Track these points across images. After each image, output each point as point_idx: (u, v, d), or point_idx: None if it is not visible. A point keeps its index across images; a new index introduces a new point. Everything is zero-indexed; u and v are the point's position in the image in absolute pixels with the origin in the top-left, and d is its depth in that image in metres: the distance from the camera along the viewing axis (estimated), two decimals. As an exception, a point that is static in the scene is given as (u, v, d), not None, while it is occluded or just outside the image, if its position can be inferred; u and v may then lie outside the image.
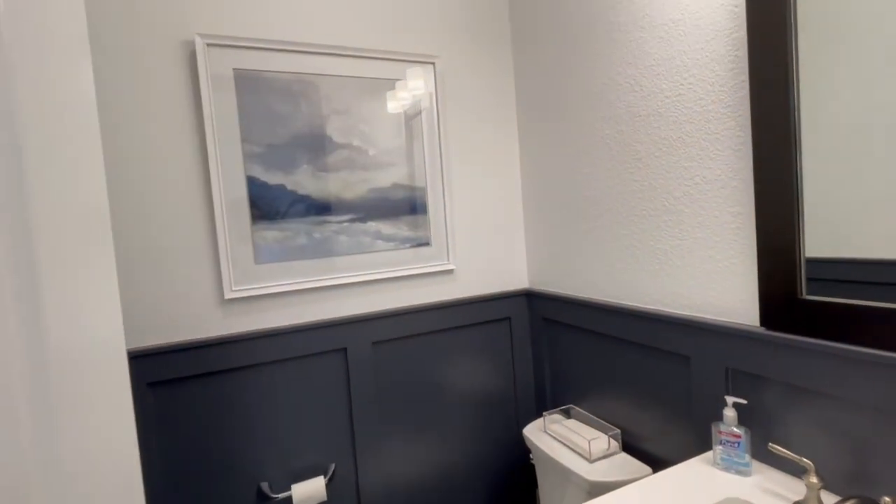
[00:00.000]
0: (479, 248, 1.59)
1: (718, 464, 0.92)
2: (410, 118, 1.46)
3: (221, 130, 1.21)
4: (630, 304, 1.22)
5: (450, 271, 1.54)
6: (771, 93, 0.83)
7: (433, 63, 1.47)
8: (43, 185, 0.38)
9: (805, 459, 0.78)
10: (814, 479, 0.75)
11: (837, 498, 0.77)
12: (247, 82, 1.24)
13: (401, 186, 1.45)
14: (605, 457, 1.22)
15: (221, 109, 1.21)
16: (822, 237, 0.80)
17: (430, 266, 1.49)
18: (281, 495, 1.28)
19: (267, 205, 1.28)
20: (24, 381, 0.39)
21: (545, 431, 1.39)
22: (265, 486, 1.28)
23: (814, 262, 0.82)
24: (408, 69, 1.44)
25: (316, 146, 1.33)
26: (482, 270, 1.60)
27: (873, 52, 0.72)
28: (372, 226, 1.41)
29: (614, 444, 1.24)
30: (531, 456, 1.46)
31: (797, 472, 0.85)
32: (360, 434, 1.40)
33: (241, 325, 1.27)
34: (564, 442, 1.31)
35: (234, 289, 1.24)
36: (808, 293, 0.83)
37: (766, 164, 0.86)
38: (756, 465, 0.92)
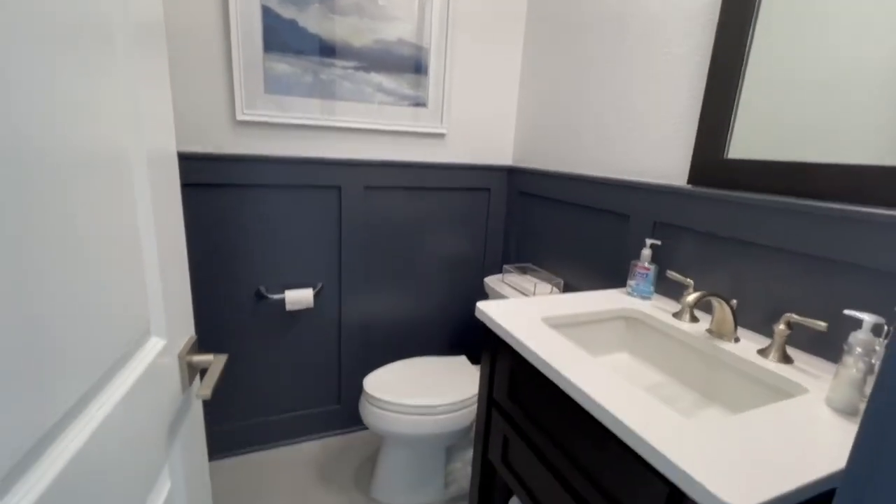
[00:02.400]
0: (472, 120, 1.72)
1: (630, 292, 1.15)
2: (423, -26, 1.50)
3: (240, -48, 1.27)
4: (591, 173, 1.39)
5: (441, 135, 1.68)
6: (743, -34, 0.92)
7: (452, -83, 1.48)
8: None
9: (688, 280, 1.01)
10: (690, 291, 0.97)
11: (710, 316, 1.00)
12: None
13: (406, 43, 1.53)
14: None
15: (241, -71, 1.26)
16: (749, 122, 0.95)
17: (424, 126, 1.63)
18: (275, 296, 1.53)
19: (278, 37, 1.37)
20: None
21: (503, 281, 1.64)
22: (262, 288, 1.54)
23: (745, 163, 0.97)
24: (426, -81, 1.45)
25: (328, -14, 1.39)
26: (471, 141, 1.74)
27: (832, -71, 0.81)
28: (374, 77, 1.52)
29: (556, 290, 1.49)
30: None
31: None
32: (346, 263, 1.63)
33: (251, 147, 1.43)
34: (516, 287, 1.55)
35: (245, 112, 1.38)
36: (731, 155, 0.99)
37: (725, 41, 0.97)
38: (657, 296, 1.15)
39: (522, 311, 1.00)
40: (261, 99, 1.39)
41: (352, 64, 1.48)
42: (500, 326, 0.93)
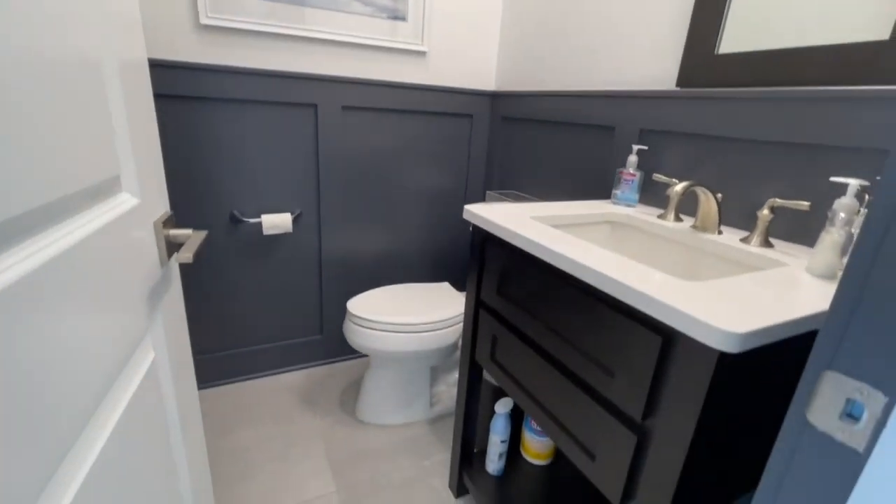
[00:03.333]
0: (454, 39, 1.64)
1: (615, 201, 1.16)
2: None
3: None
4: (578, 88, 1.36)
5: (422, 53, 1.60)
6: None
7: None
8: None
9: (673, 180, 1.01)
10: (675, 188, 0.98)
11: (693, 219, 1.02)
12: None
13: (383, -53, 1.42)
14: (530, 219, 1.46)
15: None
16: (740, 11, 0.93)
17: (404, 43, 1.54)
18: (251, 220, 1.47)
19: (243, -71, 1.24)
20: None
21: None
22: (237, 212, 1.47)
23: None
24: None
25: None
26: (454, 63, 1.67)
27: None
28: (350, -17, 1.41)
29: (540, 211, 1.48)
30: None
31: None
32: (325, 189, 1.57)
33: (217, 56, 1.32)
34: (500, 211, 1.54)
35: (209, 14, 1.27)
36: (722, 51, 0.98)
37: (721, -79, 0.93)
38: (640, 206, 1.16)
39: (512, 212, 0.98)
40: (226, 1, 1.28)
41: (325, -34, 1.37)
42: (490, 222, 0.91)
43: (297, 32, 1.38)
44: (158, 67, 1.25)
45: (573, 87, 1.38)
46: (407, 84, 1.59)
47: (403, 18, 1.53)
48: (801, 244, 0.86)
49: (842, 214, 0.67)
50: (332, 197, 1.60)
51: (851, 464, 0.33)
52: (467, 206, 1.00)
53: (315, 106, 1.48)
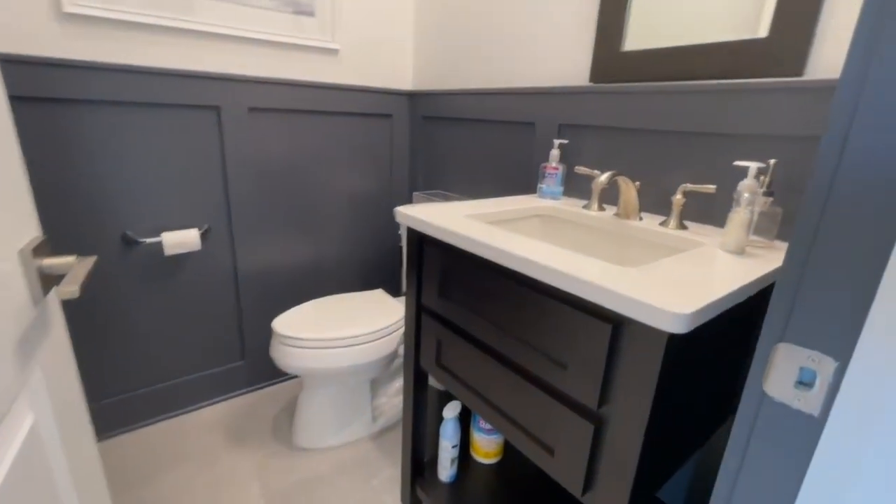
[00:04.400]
0: (367, 37, 1.58)
1: (541, 195, 1.18)
2: None
3: None
4: (496, 86, 1.38)
5: (334, 51, 1.52)
6: None
7: None
8: None
9: (595, 171, 1.06)
10: (600, 179, 1.02)
11: (615, 208, 1.07)
12: None
13: (282, -64, 1.32)
14: (460, 218, 1.45)
15: None
16: (640, 13, 0.99)
17: (313, 40, 1.45)
18: (149, 240, 1.29)
19: None
20: None
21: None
22: (130, 232, 1.28)
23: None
24: None
25: None
26: (369, 62, 1.61)
27: None
28: (248, -27, 1.29)
29: (469, 209, 1.48)
30: (400, 234, 1.66)
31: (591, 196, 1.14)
32: (235, 200, 1.43)
33: (90, 51, 1.13)
34: (429, 211, 1.51)
35: (75, 1, 1.08)
36: (627, 47, 1.04)
37: (618, -74, 0.99)
38: (565, 199, 1.20)
39: (445, 212, 0.96)
40: (96, -13, 1.10)
41: (217, -46, 1.24)
42: (426, 223, 0.88)
43: (185, 25, 1.23)
44: (13, 64, 1.04)
45: (492, 84, 1.40)
46: (319, 84, 1.50)
47: (311, 14, 1.43)
48: (711, 224, 0.94)
49: (746, 195, 0.74)
50: (245, 207, 1.46)
51: (810, 428, 0.35)
52: (399, 209, 0.96)
53: (217, 108, 1.34)
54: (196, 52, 1.27)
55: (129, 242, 1.28)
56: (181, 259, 1.39)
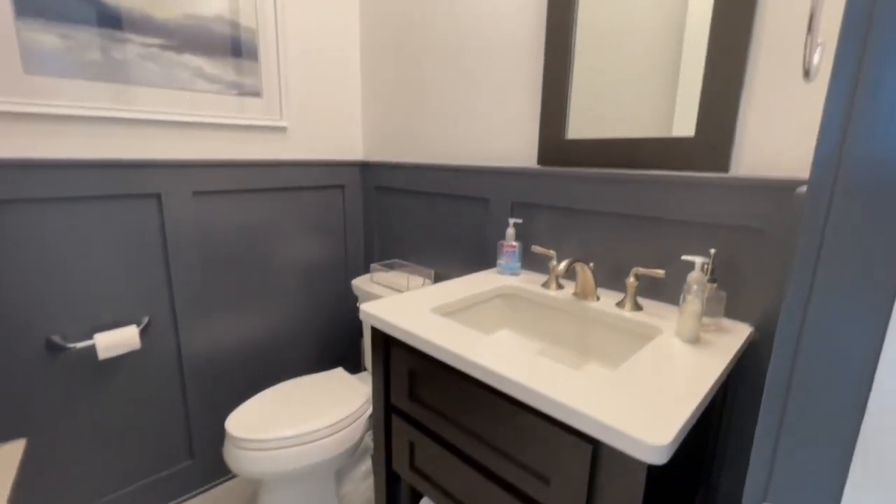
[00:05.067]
0: (315, 112, 1.58)
1: (500, 271, 1.21)
2: (237, -56, 1.30)
3: None
4: (448, 161, 1.42)
5: (282, 129, 1.50)
6: (562, -34, 1.03)
7: None
8: None
9: (550, 251, 1.10)
10: (554, 261, 1.06)
11: (573, 283, 1.11)
12: None
13: (226, 21, 1.31)
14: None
15: None
16: (580, 106, 1.07)
17: (261, 119, 1.43)
18: (80, 344, 1.16)
19: None
20: None
21: (372, 281, 1.56)
22: (57, 337, 1.15)
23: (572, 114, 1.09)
24: None
25: (109, -59, 1.10)
26: (318, 135, 1.60)
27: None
28: (190, 59, 1.26)
29: (428, 281, 1.48)
30: (359, 305, 1.62)
31: (549, 271, 1.18)
32: (179, 287, 1.34)
33: (14, 147, 1.04)
34: (388, 285, 1.49)
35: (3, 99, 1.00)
36: (570, 136, 1.11)
37: (554, 37, 1.07)
38: (524, 272, 1.23)
39: (409, 304, 0.95)
40: (21, 82, 1.03)
41: (156, 41, 1.20)
42: (391, 325, 0.86)
43: (126, 115, 1.17)
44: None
45: (443, 158, 1.44)
46: (268, 161, 1.47)
47: (257, 94, 1.42)
48: (664, 301, 1.00)
49: (694, 286, 0.79)
50: (190, 293, 1.36)
51: None
52: (363, 307, 0.94)
53: (158, 195, 1.27)
54: (135, 140, 1.21)
55: (55, 349, 1.15)
56: (118, 361, 1.26)
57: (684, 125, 0.92)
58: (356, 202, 1.75)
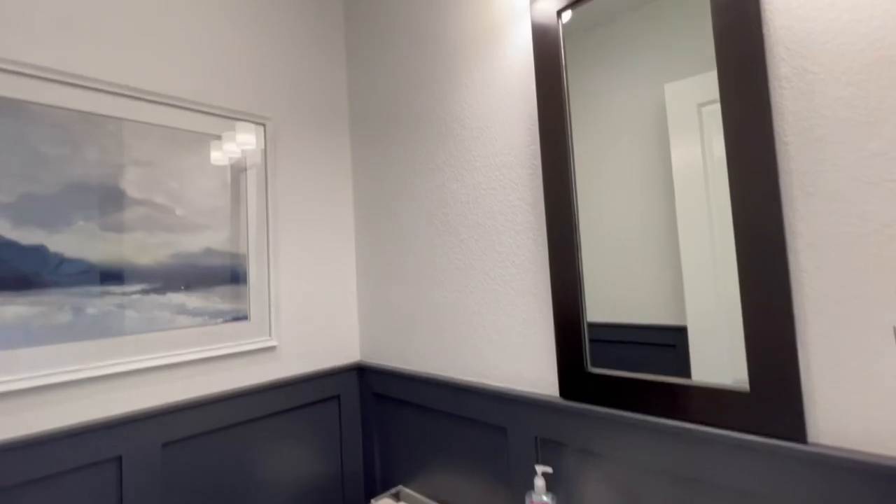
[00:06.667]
0: (307, 321, 1.48)
1: (532, 534, 0.97)
2: (235, 178, 1.33)
3: (-56, 170, 0.90)
4: (456, 377, 1.27)
5: (271, 348, 1.38)
6: (557, 199, 1.01)
7: (263, 124, 1.40)
8: None
9: (597, 520, 0.88)
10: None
11: (621, 553, 0.87)
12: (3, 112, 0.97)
13: (216, 252, 1.28)
14: (432, 543, 1.17)
15: (-51, 143, 0.91)
16: (596, 308, 0.97)
17: (248, 343, 1.32)
18: None
19: (11, 270, 0.97)
20: None
21: (373, 523, 1.29)
22: None
23: (592, 326, 0.98)
24: (233, 126, 1.33)
25: (102, 200, 1.09)
26: (310, 345, 1.48)
27: (623, 181, 0.95)
28: (172, 298, 1.19)
29: (442, 527, 1.22)
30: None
31: (592, 531, 0.94)
32: (131, 571, 1.07)
33: (-60, 441, 0.88)
34: (392, 532, 1.22)
35: (-68, 389, 0.87)
36: (593, 366, 0.98)
37: (558, 256, 1.02)
38: (562, 529, 1.00)
39: None
40: (-31, 363, 0.91)
41: (138, 287, 1.13)
42: None
43: (95, 374, 1.04)
44: None
45: (448, 371, 1.29)
46: (256, 388, 1.31)
47: (245, 317, 1.33)
48: None
49: None
50: (146, 580, 1.08)
51: None
52: None
53: (119, 458, 1.08)
54: (98, 397, 1.06)
55: None
56: None
57: (734, 368, 0.80)
58: (353, 413, 1.55)
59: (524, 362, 1.12)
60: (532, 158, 1.09)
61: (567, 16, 1.01)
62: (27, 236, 0.99)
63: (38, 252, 1.00)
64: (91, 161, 1.08)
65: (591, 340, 0.98)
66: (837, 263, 0.70)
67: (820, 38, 0.71)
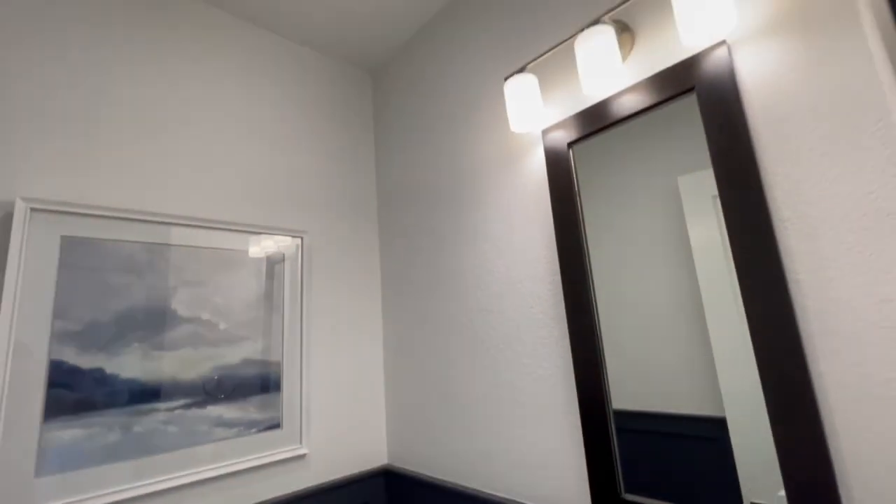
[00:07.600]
0: (336, 425, 1.50)
1: None
2: (269, 288, 1.43)
3: (27, 307, 1.02)
4: (483, 489, 1.24)
5: (302, 456, 1.39)
6: (580, 313, 1.05)
7: (301, 237, 1.52)
8: None
9: None
10: None
11: None
12: (78, 251, 1.11)
13: (253, 362, 1.34)
14: None
15: (33, 283, 1.03)
16: (627, 397, 0.96)
17: (280, 452, 1.34)
18: None
19: (73, 395, 1.05)
20: None
21: None
22: None
23: (624, 415, 0.96)
24: (274, 241, 1.46)
25: (154, 322, 1.19)
26: (339, 449, 1.49)
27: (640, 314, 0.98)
28: (212, 411, 1.24)
29: None
30: None
31: None
32: None
33: (-10, 571, 0.92)
34: None
35: (-9, 517, 0.92)
36: (626, 492, 0.95)
37: (583, 378, 1.03)
38: None
39: None
40: (24, 488, 0.97)
41: (180, 402, 1.20)
42: None
43: (135, 493, 1.08)
44: None
45: (475, 482, 1.26)
46: (288, 498, 1.31)
47: (278, 426, 1.36)
48: None
49: None
50: None
51: None
52: None
53: (150, 583, 1.08)
54: (136, 516, 1.09)
55: None
56: None
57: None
58: (380, 522, 1.51)
59: (554, 480, 1.09)
60: (552, 274, 1.14)
61: (578, 147, 1.11)
62: (89, 360, 1.08)
63: (97, 374, 1.09)
64: (147, 286, 1.20)
65: (623, 430, 0.96)
66: (867, 405, 0.69)
67: (818, 186, 0.76)
